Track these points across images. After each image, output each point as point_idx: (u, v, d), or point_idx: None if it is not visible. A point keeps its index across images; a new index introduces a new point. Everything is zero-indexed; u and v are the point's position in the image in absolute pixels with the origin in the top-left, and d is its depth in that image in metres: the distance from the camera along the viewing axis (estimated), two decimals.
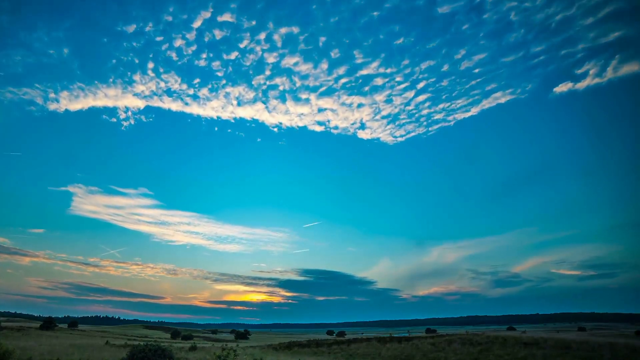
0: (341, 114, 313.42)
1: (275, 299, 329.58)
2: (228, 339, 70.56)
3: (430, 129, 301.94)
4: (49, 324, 50.12)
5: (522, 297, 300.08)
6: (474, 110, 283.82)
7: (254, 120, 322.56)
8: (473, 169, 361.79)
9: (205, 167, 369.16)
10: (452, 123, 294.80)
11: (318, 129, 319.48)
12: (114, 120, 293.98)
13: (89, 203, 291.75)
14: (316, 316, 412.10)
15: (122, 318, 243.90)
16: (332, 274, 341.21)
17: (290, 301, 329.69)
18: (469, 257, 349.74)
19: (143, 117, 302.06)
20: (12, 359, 16.31)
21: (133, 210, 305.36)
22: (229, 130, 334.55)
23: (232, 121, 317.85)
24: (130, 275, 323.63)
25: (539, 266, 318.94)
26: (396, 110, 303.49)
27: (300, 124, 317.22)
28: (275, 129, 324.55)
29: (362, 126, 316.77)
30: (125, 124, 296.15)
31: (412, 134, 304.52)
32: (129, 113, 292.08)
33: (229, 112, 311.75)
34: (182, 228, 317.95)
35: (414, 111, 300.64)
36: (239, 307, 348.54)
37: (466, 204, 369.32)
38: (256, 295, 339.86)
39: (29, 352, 19.73)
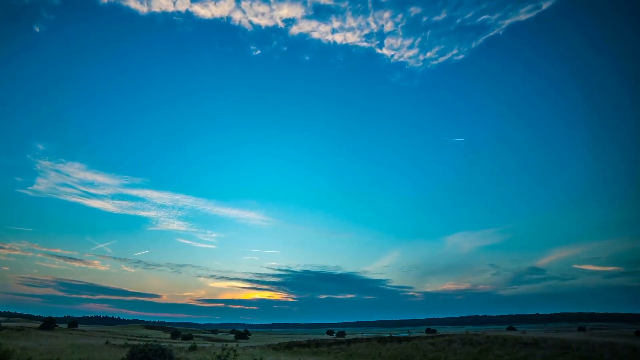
0: (350, 18, 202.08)
1: (274, 297, 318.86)
2: (228, 339, 70.55)
3: (473, 44, 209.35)
4: (48, 324, 50.19)
5: (543, 294, 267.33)
6: (547, 4, 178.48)
7: (221, 23, 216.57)
8: (515, 115, 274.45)
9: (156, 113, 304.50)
10: (501, 30, 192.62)
11: (316, 35, 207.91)
12: (33, 32, 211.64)
13: (54, 179, 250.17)
14: (318, 316, 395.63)
15: (121, 318, 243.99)
16: (335, 269, 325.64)
17: (290, 299, 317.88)
18: (489, 247, 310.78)
19: (64, 18, 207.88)
20: (12, 359, 16.32)
21: (107, 191, 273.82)
22: (185, 44, 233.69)
23: (190, 26, 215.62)
24: (118, 271, 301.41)
25: (565, 259, 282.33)
26: (429, 10, 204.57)
27: (291, 33, 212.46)
28: (255, 49, 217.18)
29: (381, 39, 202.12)
30: (43, 32, 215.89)
31: (447, 55, 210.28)
32: (44, 11, 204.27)
33: (183, 6, 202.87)
34: (168, 213, 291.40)
35: (455, 13, 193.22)
36: (236, 306, 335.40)
37: (499, 175, 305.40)
38: (254, 294, 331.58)
39: (29, 352, 19.75)
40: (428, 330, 73.47)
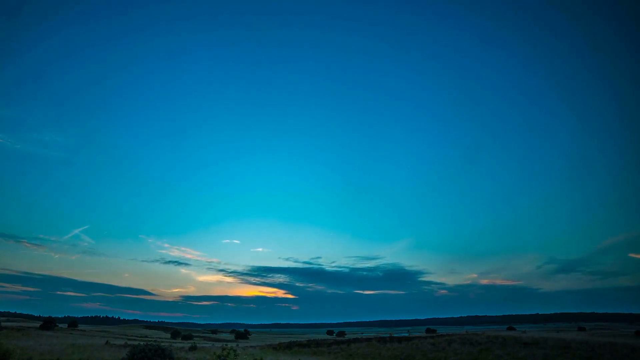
0: None
1: (271, 294, 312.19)
2: (228, 338, 70.54)
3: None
4: (48, 324, 50.15)
5: (587, 292, 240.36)
6: None
7: None
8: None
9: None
10: None
11: None
12: None
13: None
14: (318, 315, 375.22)
15: (122, 318, 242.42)
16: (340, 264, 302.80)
17: (290, 296, 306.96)
18: (533, 232, 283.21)
19: None
20: (13, 359, 16.32)
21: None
22: None
23: None
24: (101, 260, 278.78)
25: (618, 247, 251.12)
26: None
27: None
28: None
29: None
30: None
31: None
32: None
33: None
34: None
35: None
36: (233, 304, 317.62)
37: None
38: (252, 291, 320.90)
39: (29, 352, 19.75)
40: (428, 330, 73.41)
